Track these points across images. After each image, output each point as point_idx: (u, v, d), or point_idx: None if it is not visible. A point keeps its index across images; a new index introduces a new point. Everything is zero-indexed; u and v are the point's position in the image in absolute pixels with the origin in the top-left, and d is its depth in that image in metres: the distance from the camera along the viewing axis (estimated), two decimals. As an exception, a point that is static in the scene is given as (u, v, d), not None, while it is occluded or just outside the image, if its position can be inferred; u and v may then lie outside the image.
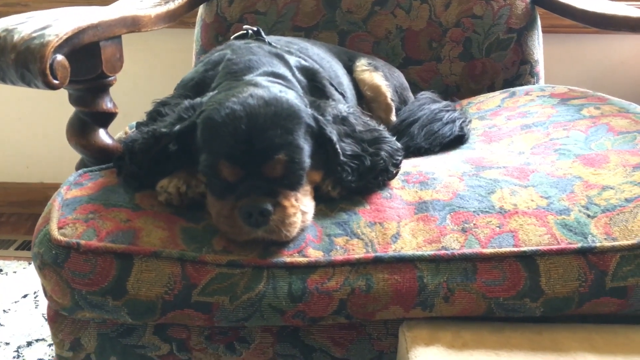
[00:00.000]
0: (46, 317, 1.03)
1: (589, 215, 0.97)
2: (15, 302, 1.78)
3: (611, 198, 0.99)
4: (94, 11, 1.08)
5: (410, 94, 1.50)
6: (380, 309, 0.92)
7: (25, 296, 1.79)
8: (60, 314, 0.98)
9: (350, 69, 1.45)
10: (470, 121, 1.37)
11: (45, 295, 0.96)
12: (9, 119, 2.22)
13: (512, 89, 1.53)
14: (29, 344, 1.62)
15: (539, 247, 0.93)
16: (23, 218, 2.25)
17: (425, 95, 1.47)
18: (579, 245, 0.93)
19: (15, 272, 1.90)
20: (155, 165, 1.00)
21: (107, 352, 0.99)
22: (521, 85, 1.63)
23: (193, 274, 0.91)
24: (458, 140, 1.30)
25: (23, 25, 0.97)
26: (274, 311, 0.91)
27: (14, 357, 1.57)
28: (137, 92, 1.92)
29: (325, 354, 0.99)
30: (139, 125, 1.11)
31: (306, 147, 0.95)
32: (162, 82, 1.73)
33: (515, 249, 0.93)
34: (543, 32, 1.75)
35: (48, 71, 0.92)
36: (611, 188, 1.01)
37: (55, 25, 0.96)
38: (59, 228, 0.93)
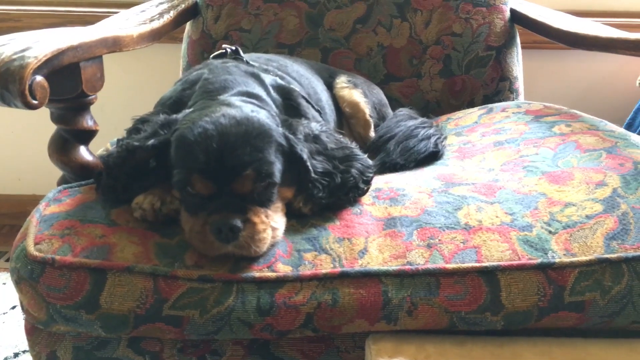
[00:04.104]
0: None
1: (550, 232, 1.00)
2: (4, 313, 1.81)
3: (573, 215, 1.02)
4: (75, 32, 1.12)
5: (390, 110, 1.54)
6: (346, 323, 0.95)
7: (13, 307, 1.82)
8: (36, 327, 1.01)
9: (330, 86, 1.48)
10: (445, 138, 1.40)
11: (22, 309, 0.99)
12: (1, 132, 2.26)
13: (490, 105, 1.57)
14: (16, 355, 1.65)
15: (500, 263, 0.96)
16: (14, 230, 2.24)
17: (403, 112, 1.50)
18: (539, 260, 0.96)
19: (4, 283, 1.93)
20: (132, 181, 1.03)
21: (82, 364, 1.02)
22: (500, 101, 1.67)
23: (165, 288, 0.94)
24: (433, 157, 1.33)
25: (4, 47, 1.00)
26: (242, 324, 0.93)
27: (0, 368, 1.60)
28: (128, 106, 1.95)
29: (295, 366, 1.02)
30: (119, 141, 1.14)
31: (276, 164, 0.99)
32: (153, 96, 1.76)
33: (477, 264, 0.96)
34: (525, 48, 1.79)
35: (27, 92, 0.95)
36: (573, 205, 1.04)
37: (35, 47, 1.00)
38: (36, 244, 0.96)
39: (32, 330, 1.02)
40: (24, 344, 1.68)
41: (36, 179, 2.28)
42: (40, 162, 2.24)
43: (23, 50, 0.98)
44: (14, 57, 0.97)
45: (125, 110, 1.43)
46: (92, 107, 1.16)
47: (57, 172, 1.20)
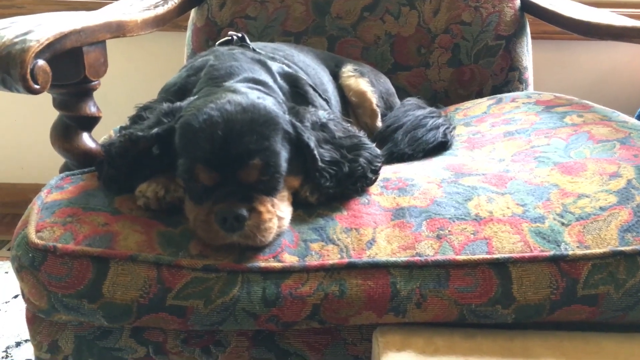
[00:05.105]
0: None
1: (563, 223, 0.97)
2: (6, 302, 1.79)
3: (586, 206, 0.99)
4: (78, 16, 1.10)
5: (397, 100, 1.51)
6: (354, 315, 0.93)
7: (16, 296, 1.81)
8: (38, 316, 0.99)
9: (336, 75, 1.46)
10: (454, 128, 1.38)
11: (23, 297, 0.97)
12: (4, 120, 2.24)
13: (499, 96, 1.54)
14: (18, 344, 1.63)
15: (512, 255, 0.93)
16: (17, 219, 2.22)
17: (411, 101, 1.47)
18: (552, 253, 0.93)
19: (7, 272, 1.92)
20: (135, 169, 1.01)
21: (84, 354, 1.00)
22: (510, 91, 1.64)
23: (168, 277, 0.92)
24: (441, 147, 1.31)
25: (5, 30, 0.98)
26: (247, 315, 0.92)
27: (2, 358, 1.58)
28: (131, 95, 1.93)
29: (301, 358, 1.00)
30: (121, 129, 1.12)
31: (283, 153, 0.96)
32: (157, 84, 1.75)
33: (488, 256, 0.93)
34: (534, 38, 1.76)
35: (29, 76, 0.93)
36: (587, 196, 1.01)
37: (37, 31, 0.97)
38: (37, 231, 0.94)
39: (34, 320, 1.01)
40: (27, 333, 1.66)
41: (39, 167, 2.26)
42: (43, 151, 2.23)
43: (25, 34, 0.96)
44: (16, 40, 0.95)
45: (129, 99, 1.42)
46: (95, 96, 1.15)
47: (60, 161, 1.19)
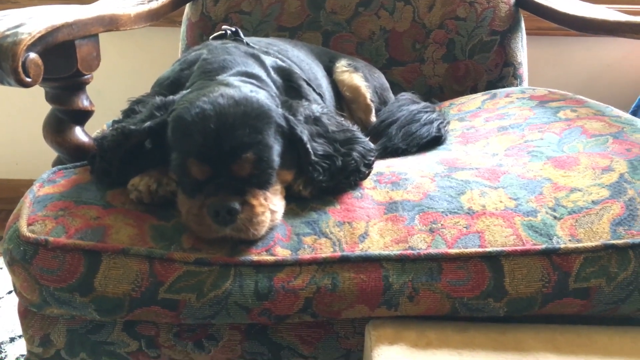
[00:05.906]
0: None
1: (555, 217, 0.97)
2: (0, 298, 1.79)
3: (578, 200, 0.99)
4: (71, 10, 1.09)
5: (391, 95, 1.51)
6: (346, 308, 0.93)
7: (9, 292, 1.80)
8: (29, 310, 0.99)
9: (330, 70, 1.45)
10: (448, 122, 1.38)
11: (15, 291, 0.97)
12: (-1, 116, 2.24)
13: (493, 91, 1.54)
14: (12, 340, 1.63)
15: (504, 248, 0.93)
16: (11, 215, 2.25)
17: (405, 96, 1.47)
18: (544, 246, 0.94)
19: (1, 268, 1.91)
20: (128, 163, 1.01)
21: (77, 348, 1.00)
22: (504, 87, 1.64)
23: (161, 271, 0.92)
24: (435, 141, 1.31)
25: (-3, 23, 0.98)
26: (240, 309, 0.91)
27: (-4, 353, 1.58)
28: (126, 90, 1.93)
29: (293, 352, 1.00)
30: (114, 123, 1.12)
31: (276, 146, 0.96)
32: (151, 80, 1.75)
33: (481, 250, 0.93)
34: (530, 34, 1.76)
35: (20, 69, 0.93)
36: (579, 190, 1.01)
37: (29, 24, 0.97)
38: (29, 225, 0.94)
39: (25, 313, 1.00)
40: (20, 329, 1.66)
41: (34, 163, 2.25)
42: (38, 147, 2.22)
43: (16, 27, 0.96)
44: (7, 33, 0.94)
45: (123, 94, 1.41)
46: (89, 92, 1.14)
47: (54, 157, 1.18)
